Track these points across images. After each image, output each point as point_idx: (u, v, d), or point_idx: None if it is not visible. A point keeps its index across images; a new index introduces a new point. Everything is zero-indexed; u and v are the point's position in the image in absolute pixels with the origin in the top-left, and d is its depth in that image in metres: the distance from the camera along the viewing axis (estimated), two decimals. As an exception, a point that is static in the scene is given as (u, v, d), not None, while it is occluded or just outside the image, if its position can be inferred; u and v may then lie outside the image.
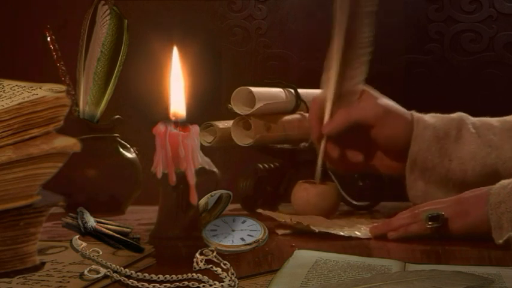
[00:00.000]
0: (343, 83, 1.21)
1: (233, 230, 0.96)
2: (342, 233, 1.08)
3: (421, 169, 1.20)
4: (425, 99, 2.20)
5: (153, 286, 0.78)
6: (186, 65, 0.96)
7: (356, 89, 1.21)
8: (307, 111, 1.38)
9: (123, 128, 1.37)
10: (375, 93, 1.23)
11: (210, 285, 0.79)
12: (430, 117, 1.23)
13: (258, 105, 1.28)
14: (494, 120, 1.24)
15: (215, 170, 0.96)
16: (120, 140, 1.36)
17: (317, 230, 1.08)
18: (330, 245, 1.01)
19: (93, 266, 0.81)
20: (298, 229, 1.10)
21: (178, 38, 2.15)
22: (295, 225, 1.10)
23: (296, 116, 1.36)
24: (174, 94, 0.94)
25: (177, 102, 0.94)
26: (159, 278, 0.81)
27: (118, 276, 0.80)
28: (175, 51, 0.96)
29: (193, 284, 0.79)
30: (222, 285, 0.79)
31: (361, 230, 1.11)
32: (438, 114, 1.24)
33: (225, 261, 0.87)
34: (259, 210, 1.18)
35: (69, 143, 0.82)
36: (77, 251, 0.86)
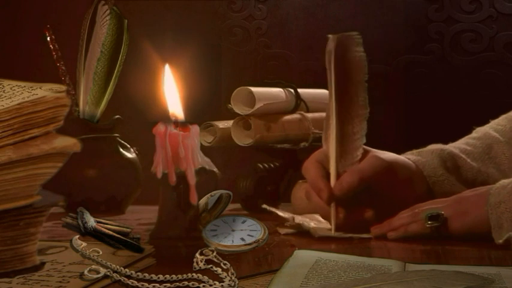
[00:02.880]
0: (344, 140, 1.16)
1: (233, 230, 0.96)
2: (343, 236, 1.08)
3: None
4: (425, 99, 2.21)
5: (153, 286, 0.78)
6: (186, 65, 0.97)
7: (358, 144, 1.15)
8: (307, 111, 1.38)
9: (123, 128, 1.37)
10: (376, 151, 1.17)
11: (210, 285, 0.79)
12: (416, 155, 1.19)
13: (258, 105, 1.28)
14: (469, 148, 1.21)
15: (215, 170, 0.96)
16: (120, 140, 1.36)
17: (317, 235, 1.07)
18: (330, 245, 1.01)
19: (93, 266, 0.81)
20: (299, 229, 1.10)
21: (178, 38, 2.15)
22: (297, 225, 1.10)
23: (296, 116, 1.36)
24: (170, 102, 0.94)
25: (174, 106, 0.94)
26: (159, 278, 0.81)
27: (118, 276, 0.80)
28: (167, 68, 0.95)
29: (193, 284, 0.79)
30: (222, 285, 0.79)
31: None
32: (420, 151, 1.20)
33: (225, 261, 0.87)
34: (264, 206, 1.16)
35: (69, 143, 0.82)
36: (77, 251, 0.86)
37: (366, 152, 1.16)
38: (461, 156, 1.19)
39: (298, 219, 1.10)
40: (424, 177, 1.16)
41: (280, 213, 1.13)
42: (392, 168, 1.15)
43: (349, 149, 1.14)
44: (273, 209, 1.16)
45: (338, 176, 1.13)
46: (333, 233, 1.10)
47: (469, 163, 1.19)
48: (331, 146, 1.14)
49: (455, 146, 1.22)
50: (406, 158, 1.18)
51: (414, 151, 1.20)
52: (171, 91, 0.95)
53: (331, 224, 1.11)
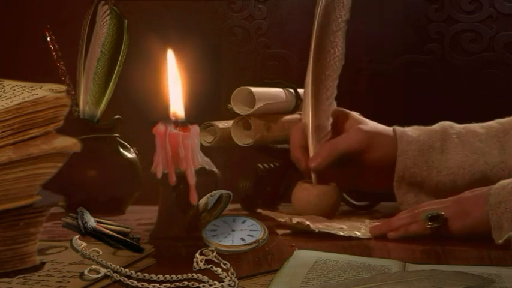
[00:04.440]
0: (319, 106, 1.20)
1: (233, 230, 0.96)
2: (341, 233, 1.08)
3: (410, 184, 1.20)
4: (425, 99, 2.21)
5: (153, 286, 0.78)
6: (186, 65, 0.96)
7: (331, 109, 1.21)
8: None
9: (123, 128, 1.37)
10: (355, 117, 1.23)
11: (210, 285, 0.79)
12: (413, 131, 1.22)
13: (258, 105, 1.28)
14: (478, 127, 1.23)
15: (215, 170, 0.96)
16: (120, 140, 1.36)
17: (317, 230, 1.08)
18: (330, 245, 1.01)
19: (93, 266, 0.81)
20: (298, 229, 1.10)
21: (178, 38, 2.15)
22: (295, 225, 1.10)
23: (296, 116, 1.36)
24: (172, 96, 0.94)
25: (176, 104, 0.94)
26: (159, 278, 0.81)
27: (118, 276, 0.80)
28: (170, 53, 0.95)
29: (193, 284, 0.79)
30: (222, 285, 0.79)
31: (361, 230, 1.11)
32: (421, 127, 1.23)
33: (225, 261, 0.87)
34: (259, 210, 1.18)
35: (69, 143, 0.82)
36: (77, 251, 0.86)
37: (346, 117, 1.19)
38: (454, 139, 1.21)
39: (295, 219, 1.11)
40: (395, 150, 1.20)
41: (276, 217, 1.14)
42: (370, 141, 1.20)
43: (322, 120, 1.18)
44: (268, 213, 1.16)
45: (316, 147, 1.21)
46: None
47: (460, 146, 1.20)
48: (306, 114, 1.21)
49: (466, 126, 1.24)
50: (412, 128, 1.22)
51: (428, 128, 1.24)
52: (174, 79, 0.95)
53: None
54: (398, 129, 1.22)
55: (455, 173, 1.19)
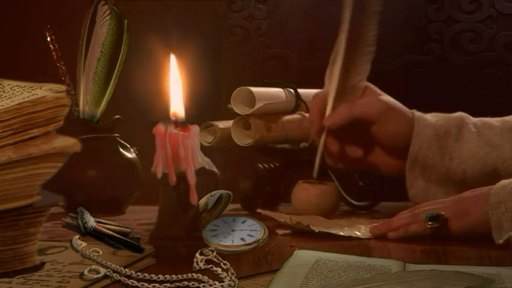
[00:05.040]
0: (346, 79, 1.21)
1: (233, 230, 0.96)
2: (342, 233, 1.08)
3: (421, 167, 1.20)
4: (425, 99, 2.21)
5: (153, 286, 0.78)
6: (186, 65, 0.96)
7: (359, 85, 1.22)
8: (307, 111, 1.38)
9: (123, 128, 1.37)
10: (377, 90, 1.23)
11: (210, 285, 0.79)
12: (431, 117, 1.23)
13: (258, 105, 1.28)
14: (494, 120, 1.24)
15: (215, 170, 0.96)
16: (120, 140, 1.36)
17: (317, 230, 1.08)
18: (330, 245, 1.01)
19: (93, 266, 0.81)
20: (298, 229, 1.10)
21: (178, 38, 2.15)
22: (295, 225, 1.10)
23: (296, 116, 1.36)
24: (172, 96, 0.94)
25: (176, 104, 0.94)
26: (159, 278, 0.81)
27: (118, 276, 0.80)
28: (173, 58, 0.95)
29: (193, 284, 0.79)
30: (222, 285, 0.79)
31: (361, 230, 1.11)
32: (439, 114, 1.24)
33: (225, 261, 0.87)
34: (259, 211, 1.18)
35: (69, 143, 0.82)
36: (77, 251, 0.86)
37: (369, 90, 1.19)
38: (470, 128, 1.21)
39: (296, 219, 1.11)
40: (411, 131, 1.20)
41: (276, 217, 1.14)
42: (387, 114, 1.20)
43: (349, 88, 1.19)
44: (268, 213, 1.16)
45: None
46: (314, 175, 1.19)
47: (474, 143, 1.20)
48: (333, 81, 1.18)
49: (481, 119, 1.25)
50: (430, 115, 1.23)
51: (445, 115, 1.25)
52: (176, 82, 0.95)
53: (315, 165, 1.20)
54: (417, 112, 1.23)
55: (466, 162, 1.19)
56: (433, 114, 1.24)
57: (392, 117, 1.20)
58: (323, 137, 1.21)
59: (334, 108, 1.21)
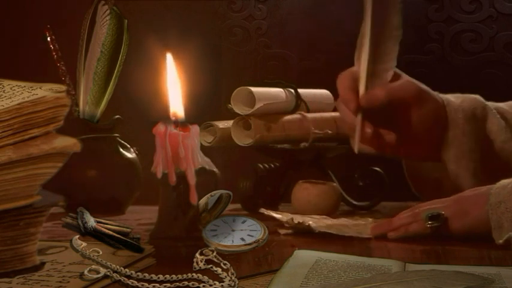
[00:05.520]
0: (377, 61, 1.19)
1: (233, 230, 0.96)
2: (342, 233, 1.08)
3: (456, 153, 1.19)
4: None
5: (153, 286, 0.78)
6: (186, 65, 0.96)
7: (389, 66, 1.20)
8: (307, 111, 1.38)
9: (123, 128, 1.37)
10: (405, 75, 1.22)
11: (210, 285, 0.79)
12: (454, 98, 1.23)
13: (258, 105, 1.28)
14: (503, 104, 1.26)
15: (215, 170, 0.96)
16: (120, 140, 1.36)
17: (317, 230, 1.08)
18: (330, 245, 1.01)
19: (93, 266, 0.81)
20: (299, 229, 1.10)
21: (178, 38, 2.15)
22: (296, 225, 1.10)
23: (296, 116, 1.36)
24: (172, 96, 0.94)
25: (176, 104, 0.94)
26: (159, 278, 0.81)
27: (118, 276, 0.80)
28: (169, 57, 0.95)
29: (193, 284, 0.79)
30: (222, 285, 0.79)
31: (361, 230, 1.11)
32: (459, 94, 1.24)
33: (225, 261, 0.87)
34: (262, 210, 1.17)
35: (69, 143, 0.82)
36: (77, 251, 0.86)
37: (398, 76, 1.20)
38: (492, 109, 1.22)
39: (297, 219, 1.11)
40: (446, 116, 1.20)
41: (278, 217, 1.14)
42: (421, 97, 1.19)
43: (379, 70, 1.19)
44: (271, 213, 1.16)
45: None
46: (355, 150, 1.15)
47: (498, 118, 1.22)
48: (362, 64, 1.17)
49: (494, 104, 1.25)
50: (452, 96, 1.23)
51: (465, 95, 1.25)
52: (173, 82, 0.95)
53: (355, 141, 1.16)
54: (443, 96, 1.23)
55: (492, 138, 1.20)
56: (455, 95, 1.24)
57: (425, 99, 1.20)
58: (359, 117, 1.17)
59: (367, 88, 1.18)
